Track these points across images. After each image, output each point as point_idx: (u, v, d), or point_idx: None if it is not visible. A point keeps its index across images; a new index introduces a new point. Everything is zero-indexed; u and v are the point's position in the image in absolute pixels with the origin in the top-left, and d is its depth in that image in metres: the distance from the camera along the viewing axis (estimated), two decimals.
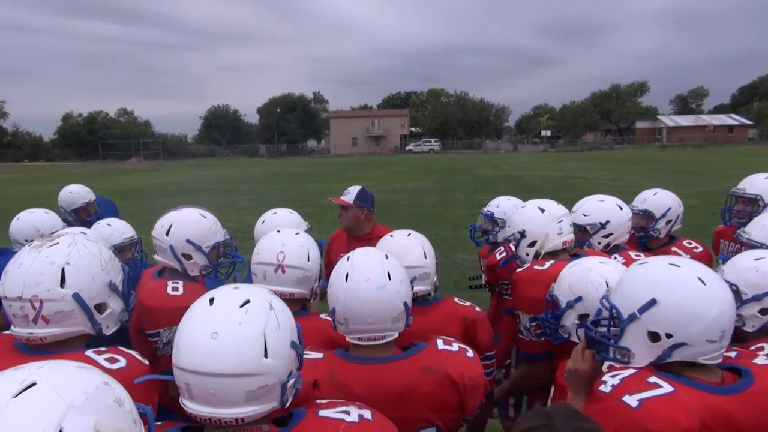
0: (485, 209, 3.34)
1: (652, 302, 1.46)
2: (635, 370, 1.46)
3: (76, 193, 4.35)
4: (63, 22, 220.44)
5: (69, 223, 4.02)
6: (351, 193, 3.46)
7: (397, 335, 1.72)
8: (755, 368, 1.49)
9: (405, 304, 1.70)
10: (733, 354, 1.60)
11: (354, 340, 1.69)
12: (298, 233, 2.17)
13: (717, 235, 3.66)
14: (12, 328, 1.52)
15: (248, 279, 2.30)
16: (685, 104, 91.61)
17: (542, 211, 2.48)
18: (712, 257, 3.30)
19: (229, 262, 2.53)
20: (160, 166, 48.32)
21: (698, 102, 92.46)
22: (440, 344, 1.77)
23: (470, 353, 1.80)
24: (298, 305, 2.05)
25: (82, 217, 4.31)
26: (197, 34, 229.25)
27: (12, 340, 1.57)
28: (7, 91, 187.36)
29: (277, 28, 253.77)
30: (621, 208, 2.82)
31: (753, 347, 1.84)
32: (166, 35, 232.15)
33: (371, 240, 3.32)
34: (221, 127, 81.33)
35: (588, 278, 1.92)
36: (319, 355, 1.69)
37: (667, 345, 1.44)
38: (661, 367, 1.46)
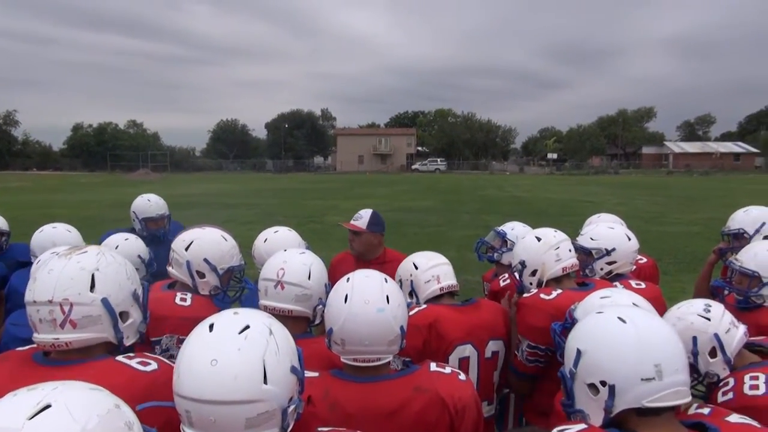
0: (499, 228, 3.31)
1: (579, 353, 1.44)
2: (584, 426, 1.40)
3: (154, 202, 4.31)
4: (77, 33, 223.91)
5: (136, 232, 4.04)
6: (363, 218, 3.40)
7: (391, 358, 1.73)
8: (724, 426, 1.40)
9: (401, 327, 1.71)
10: (706, 411, 1.51)
11: (349, 361, 1.70)
12: (303, 252, 2.20)
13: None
14: (35, 335, 1.53)
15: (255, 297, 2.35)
16: (691, 131, 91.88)
17: (538, 239, 2.52)
18: (658, 269, 3.58)
19: (238, 287, 2.56)
20: (166, 179, 48.54)
21: (705, 129, 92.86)
22: (432, 366, 1.80)
23: (462, 376, 1.81)
24: (300, 325, 2.06)
25: (150, 228, 4.23)
26: (209, 49, 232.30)
27: (30, 354, 1.59)
28: (19, 100, 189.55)
29: (288, 45, 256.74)
30: (629, 239, 2.82)
31: (720, 383, 1.88)
32: (178, 49, 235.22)
33: (384, 264, 3.29)
34: (229, 141, 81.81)
35: None
36: (314, 373, 1.69)
37: (606, 394, 1.38)
38: (615, 423, 1.39)
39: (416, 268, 2.44)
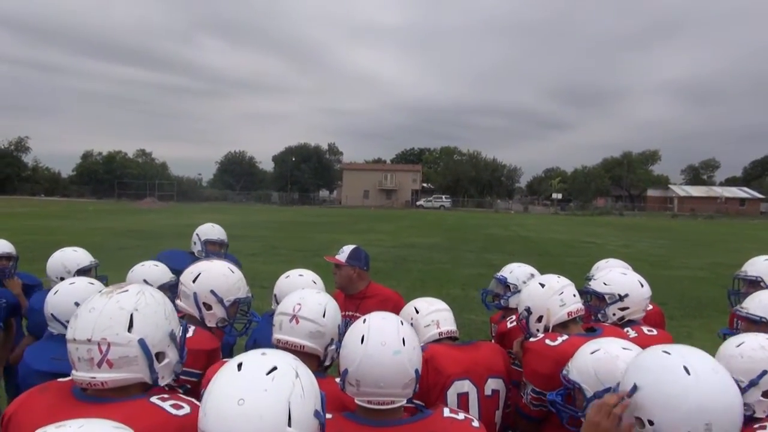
0: (499, 274, 3.37)
1: (635, 387, 1.48)
2: None
3: (217, 228, 4.88)
4: (89, 63, 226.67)
5: (193, 254, 4.55)
6: (344, 252, 3.50)
7: (405, 402, 1.72)
8: None
9: (416, 371, 1.72)
10: None
11: (363, 403, 1.70)
12: (320, 292, 2.24)
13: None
14: (73, 372, 1.56)
15: (263, 329, 2.35)
16: (696, 175, 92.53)
17: (542, 286, 2.56)
18: (664, 316, 3.49)
19: (245, 320, 2.59)
20: (173, 208, 48.87)
21: (709, 173, 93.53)
22: (446, 412, 1.79)
23: (476, 423, 1.80)
24: (311, 364, 2.04)
25: (209, 250, 4.70)
26: (219, 82, 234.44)
27: (69, 386, 1.60)
28: (31, 126, 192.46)
29: (297, 80, 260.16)
30: (642, 285, 2.84)
31: (756, 426, 1.83)
32: (189, 81, 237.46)
33: (365, 299, 3.41)
34: (236, 173, 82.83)
35: (617, 368, 1.86)
36: (328, 415, 1.68)
37: None
38: None
39: (417, 312, 2.52)
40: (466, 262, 16.30)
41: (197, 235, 4.76)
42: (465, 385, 2.29)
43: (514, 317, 2.94)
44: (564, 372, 2.03)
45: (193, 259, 4.46)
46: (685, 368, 1.44)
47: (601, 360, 1.93)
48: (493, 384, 2.38)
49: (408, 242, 22.10)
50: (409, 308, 2.57)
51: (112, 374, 1.53)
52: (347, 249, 3.52)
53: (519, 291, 3.11)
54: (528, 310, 2.54)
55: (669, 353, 1.51)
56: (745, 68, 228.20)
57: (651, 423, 1.42)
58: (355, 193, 77.36)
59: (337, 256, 3.51)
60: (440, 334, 2.44)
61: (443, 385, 2.26)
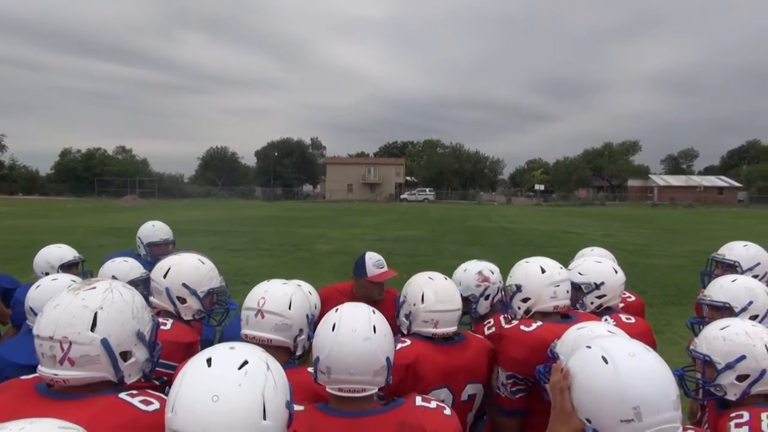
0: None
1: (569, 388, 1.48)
2: None
3: (158, 228, 4.40)
4: (67, 59, 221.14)
5: (140, 257, 4.05)
6: (383, 263, 3.40)
7: (376, 390, 1.73)
8: None
9: (387, 359, 1.72)
10: None
11: (334, 391, 1.70)
12: (285, 283, 2.21)
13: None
14: (39, 367, 1.53)
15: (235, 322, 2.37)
16: (675, 164, 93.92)
17: (543, 271, 2.49)
18: (644, 307, 3.50)
19: (222, 309, 2.57)
20: (154, 205, 48.30)
21: (688, 163, 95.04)
22: (418, 401, 1.79)
23: (447, 411, 1.81)
24: (281, 355, 2.04)
25: (155, 252, 4.23)
26: (200, 77, 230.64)
27: (33, 384, 1.58)
28: (7, 124, 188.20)
29: (279, 74, 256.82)
30: (616, 272, 2.86)
31: (732, 414, 1.85)
32: (169, 77, 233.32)
33: (382, 302, 3.27)
34: (218, 169, 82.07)
35: None
36: (300, 407, 1.68)
37: (590, 431, 1.42)
38: None
39: (422, 302, 2.31)
40: (449, 254, 16.34)
41: (139, 238, 4.35)
42: (442, 394, 2.26)
43: (492, 321, 2.89)
44: (551, 346, 2.02)
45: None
46: (603, 358, 1.44)
47: (583, 336, 1.92)
48: (470, 389, 2.36)
49: (392, 236, 22.09)
50: (417, 290, 2.34)
51: (74, 372, 1.51)
52: (381, 258, 3.44)
53: (478, 301, 2.99)
54: (518, 287, 2.50)
55: (590, 347, 1.52)
56: (723, 60, 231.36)
57: (589, 421, 1.42)
58: (338, 187, 77.19)
59: (382, 271, 3.42)
60: (434, 335, 2.30)
61: (421, 391, 2.19)
